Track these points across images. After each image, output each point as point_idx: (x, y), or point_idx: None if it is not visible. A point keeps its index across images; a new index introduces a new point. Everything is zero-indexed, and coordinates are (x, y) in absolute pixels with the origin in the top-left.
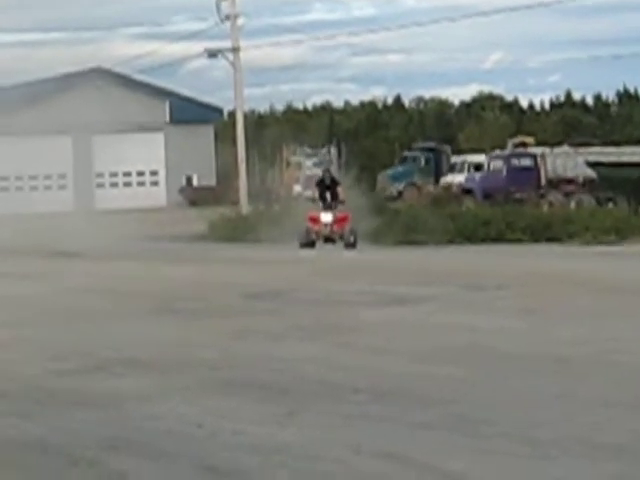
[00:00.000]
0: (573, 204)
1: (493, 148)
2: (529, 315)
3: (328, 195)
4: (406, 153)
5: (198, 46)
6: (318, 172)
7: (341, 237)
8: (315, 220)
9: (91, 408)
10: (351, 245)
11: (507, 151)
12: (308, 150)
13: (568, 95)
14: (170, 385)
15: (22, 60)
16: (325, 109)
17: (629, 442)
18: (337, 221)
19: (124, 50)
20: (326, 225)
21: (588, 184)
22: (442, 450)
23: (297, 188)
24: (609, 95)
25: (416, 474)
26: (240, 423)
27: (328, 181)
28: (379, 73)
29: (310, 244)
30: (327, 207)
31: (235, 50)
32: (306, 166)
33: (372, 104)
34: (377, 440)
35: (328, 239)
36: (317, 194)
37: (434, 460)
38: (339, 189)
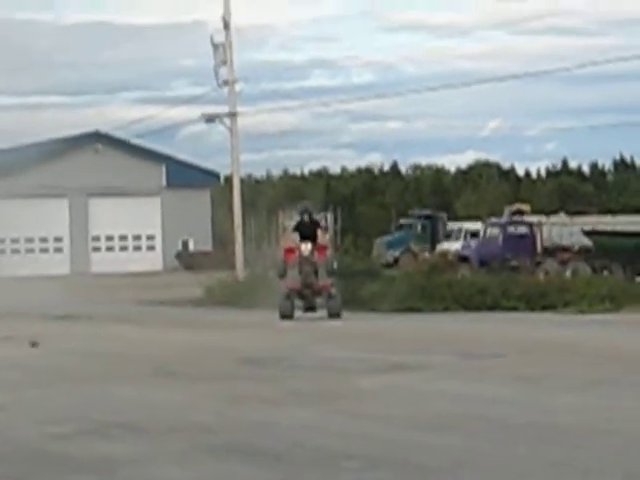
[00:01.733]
0: (569, 272)
1: (489, 215)
2: (525, 383)
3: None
4: (402, 220)
5: (196, 111)
6: None
7: (320, 291)
8: (292, 251)
9: (86, 472)
10: (336, 314)
11: (503, 219)
12: None
13: (565, 163)
14: (165, 449)
15: (21, 123)
16: (322, 175)
17: None
18: (318, 249)
19: (123, 114)
20: (305, 249)
21: (584, 252)
22: None
23: None
24: (605, 164)
25: None
26: None
27: (307, 222)
28: (376, 140)
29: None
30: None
31: (232, 115)
32: None
33: (369, 170)
34: None
35: (309, 304)
36: (297, 239)
37: None
38: (319, 232)
